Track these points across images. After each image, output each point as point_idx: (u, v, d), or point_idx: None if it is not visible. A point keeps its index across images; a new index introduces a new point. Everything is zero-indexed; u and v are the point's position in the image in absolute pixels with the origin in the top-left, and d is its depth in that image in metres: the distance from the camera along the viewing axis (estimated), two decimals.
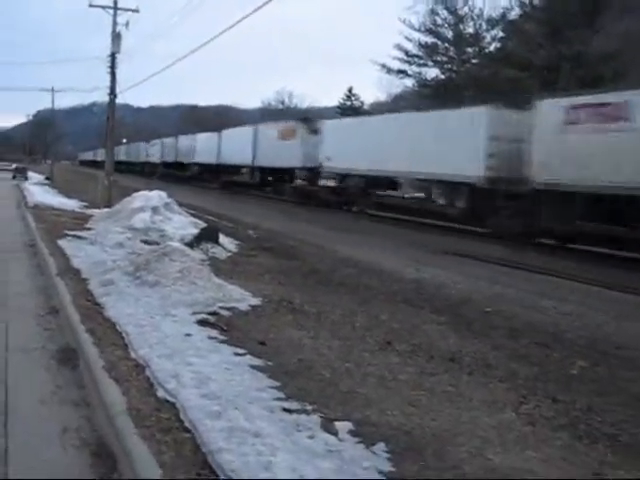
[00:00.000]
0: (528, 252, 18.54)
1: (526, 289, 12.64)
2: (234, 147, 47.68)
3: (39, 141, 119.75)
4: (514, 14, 45.87)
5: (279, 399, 5.13)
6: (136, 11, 30.87)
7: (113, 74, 30.03)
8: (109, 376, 5.59)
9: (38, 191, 39.44)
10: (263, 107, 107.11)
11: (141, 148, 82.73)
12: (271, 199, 41.15)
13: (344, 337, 7.55)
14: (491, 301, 11.05)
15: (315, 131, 36.32)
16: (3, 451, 4.60)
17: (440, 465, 4.24)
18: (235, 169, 50.40)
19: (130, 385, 5.38)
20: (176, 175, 62.96)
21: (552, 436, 5.03)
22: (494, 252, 18.13)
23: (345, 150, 31.68)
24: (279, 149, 39.55)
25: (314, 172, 36.21)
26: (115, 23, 30.10)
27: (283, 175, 40.87)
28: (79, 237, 15.54)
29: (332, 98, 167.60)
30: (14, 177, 66.03)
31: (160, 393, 5.19)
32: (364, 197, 31.82)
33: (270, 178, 44.06)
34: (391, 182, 32.04)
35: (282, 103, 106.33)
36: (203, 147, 56.18)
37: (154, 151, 74.76)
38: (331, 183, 36.91)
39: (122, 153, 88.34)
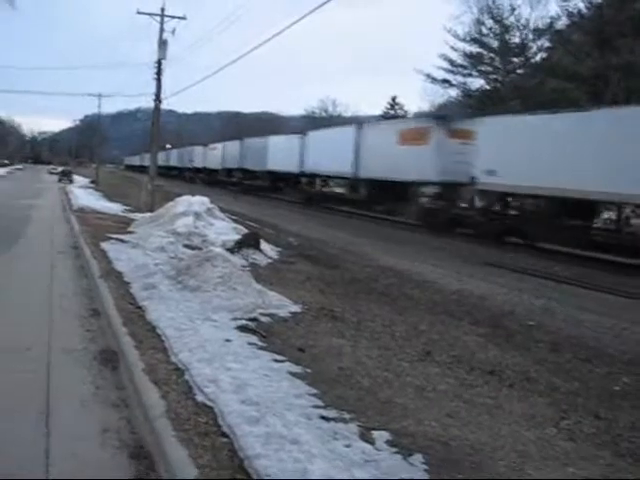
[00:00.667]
0: (577, 267, 18.22)
1: (570, 303, 12.43)
2: (324, 153, 37.63)
3: (85, 145, 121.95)
4: (561, 24, 45.30)
5: (317, 407, 5.12)
6: (183, 18, 31.30)
7: (159, 80, 30.43)
8: (149, 379, 5.64)
9: (83, 194, 40.12)
10: (306, 115, 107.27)
11: (197, 152, 75.19)
12: (380, 221, 31.75)
13: (384, 346, 7.53)
14: (534, 314, 10.91)
15: (460, 133, 27.04)
16: (45, 451, 4.66)
17: (478, 479, 4.19)
18: (324, 180, 40.72)
19: (169, 388, 5.42)
20: (242, 184, 55.88)
21: (594, 453, 4.94)
22: (545, 267, 17.85)
23: (518, 160, 22.98)
24: (398, 157, 29.61)
25: (452, 188, 27.41)
26: (162, 30, 30.58)
27: (402, 190, 30.20)
28: (122, 240, 15.73)
29: (375, 107, 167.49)
30: (60, 180, 67.21)
31: (199, 397, 5.22)
32: (551, 227, 22.38)
33: (379, 193, 33.08)
34: (584, 206, 22.62)
35: (325, 111, 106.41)
36: (279, 152, 45.81)
37: (214, 156, 66.95)
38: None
39: (174, 158, 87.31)
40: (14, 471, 4.31)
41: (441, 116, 31.40)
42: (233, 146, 60.66)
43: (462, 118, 29.72)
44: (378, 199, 33.58)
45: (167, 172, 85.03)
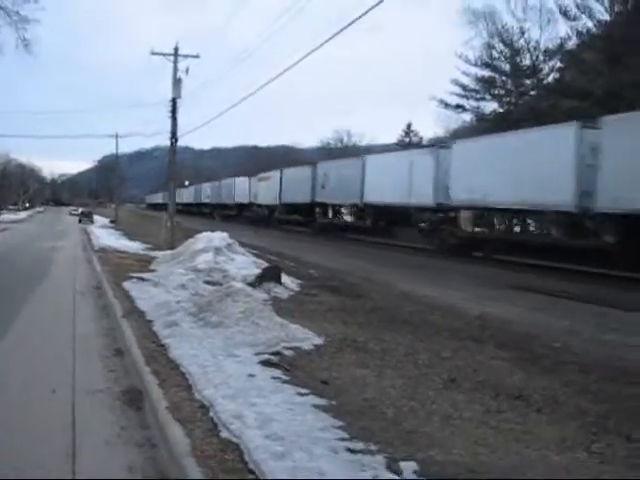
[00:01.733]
0: (594, 285, 18.07)
1: (594, 323, 12.30)
2: (392, 179, 33.01)
3: (104, 185, 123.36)
4: (571, 44, 45.44)
5: (343, 439, 5.08)
6: (196, 57, 31.77)
7: (174, 118, 30.79)
8: (173, 417, 5.63)
9: (103, 234, 40.50)
10: (321, 146, 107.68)
11: (238, 187, 66.74)
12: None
13: (408, 375, 7.47)
14: (558, 335, 10.79)
15: None
16: None
17: None
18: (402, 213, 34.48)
19: (194, 426, 5.40)
20: (296, 221, 50.49)
21: (628, 476, 4.85)
22: (565, 287, 17.71)
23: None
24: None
25: None
26: (176, 69, 31.04)
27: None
28: (143, 279, 15.80)
29: (390, 135, 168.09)
30: (80, 221, 67.89)
31: (224, 434, 5.20)
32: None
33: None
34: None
35: (341, 142, 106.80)
36: (335, 181, 40.41)
37: (267, 188, 56.28)
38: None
39: (204, 194, 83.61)
40: None
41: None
42: (275, 177, 53.84)
43: None
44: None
45: (198, 210, 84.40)
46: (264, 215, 57.59)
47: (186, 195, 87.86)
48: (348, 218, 43.43)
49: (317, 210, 45.59)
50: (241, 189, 65.94)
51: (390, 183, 33.75)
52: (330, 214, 45.06)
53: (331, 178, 42.31)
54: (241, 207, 66.32)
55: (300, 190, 46.69)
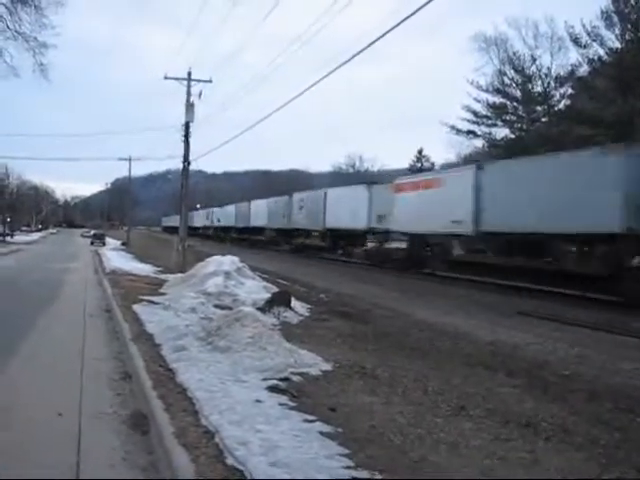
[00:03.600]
0: (608, 313, 17.92)
1: (606, 351, 12.19)
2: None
3: (117, 208, 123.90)
4: (583, 71, 45.62)
5: (348, 467, 5.03)
6: (209, 82, 32.01)
7: (187, 142, 30.96)
8: (178, 442, 5.60)
9: (115, 256, 40.66)
10: (334, 171, 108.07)
11: (279, 207, 56.78)
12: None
13: (416, 402, 7.41)
14: (569, 363, 10.70)
15: None
16: None
17: None
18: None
19: (199, 452, 5.37)
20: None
21: None
22: (577, 314, 17.58)
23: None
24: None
25: None
26: (189, 94, 31.21)
27: None
28: (153, 302, 15.83)
29: (402, 160, 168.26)
30: (92, 243, 68.21)
31: (229, 460, 5.16)
32: None
33: None
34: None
35: (353, 167, 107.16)
36: (409, 205, 31.96)
37: (298, 211, 51.19)
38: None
39: (230, 217, 77.32)
40: None
41: None
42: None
43: None
44: None
45: (220, 234, 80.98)
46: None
47: (226, 215, 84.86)
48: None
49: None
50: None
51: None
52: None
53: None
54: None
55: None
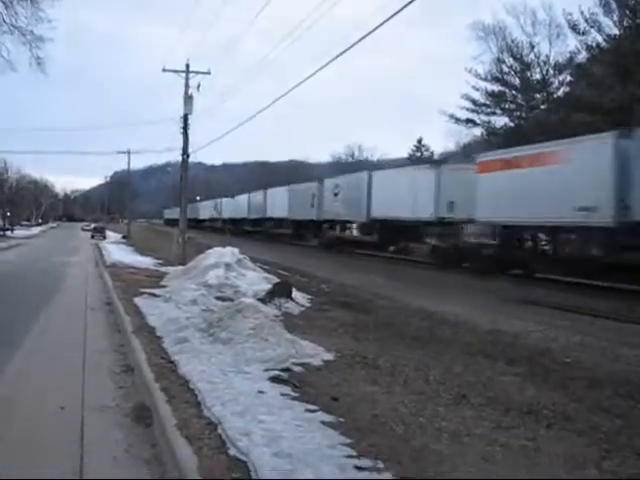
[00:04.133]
0: (612, 301, 17.93)
1: (607, 338, 12.20)
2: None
3: (116, 201, 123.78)
4: (581, 58, 45.51)
5: (351, 456, 5.05)
6: (207, 73, 31.88)
7: (186, 135, 30.91)
8: (181, 434, 5.61)
9: (115, 250, 40.66)
10: (333, 161, 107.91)
11: (305, 195, 49.58)
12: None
13: (418, 391, 7.42)
14: (570, 351, 10.71)
15: None
16: None
17: None
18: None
19: (202, 443, 5.38)
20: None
21: None
22: (579, 302, 17.60)
23: None
24: None
25: None
26: (187, 86, 31.13)
27: None
28: (154, 295, 15.85)
29: (401, 150, 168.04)
30: (93, 236, 68.20)
31: (232, 451, 5.17)
32: None
33: None
34: None
35: (352, 156, 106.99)
36: (500, 189, 25.76)
37: (332, 198, 44.39)
38: None
39: (242, 207, 70.68)
40: None
41: None
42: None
43: None
44: None
45: (228, 226, 71.21)
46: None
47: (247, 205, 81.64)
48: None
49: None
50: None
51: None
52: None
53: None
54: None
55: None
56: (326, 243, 45.07)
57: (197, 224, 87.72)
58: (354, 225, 42.95)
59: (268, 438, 5.37)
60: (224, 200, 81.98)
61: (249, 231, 66.55)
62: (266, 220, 61.08)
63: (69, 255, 38.21)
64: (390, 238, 36.27)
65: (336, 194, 43.22)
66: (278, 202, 56.34)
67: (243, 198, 71.03)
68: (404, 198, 32.82)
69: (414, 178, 33.13)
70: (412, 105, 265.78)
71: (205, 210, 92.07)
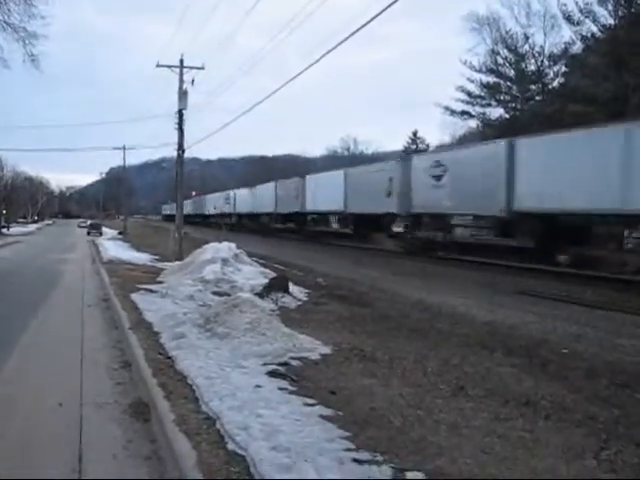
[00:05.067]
0: (610, 291, 17.95)
1: (604, 328, 12.21)
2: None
3: (112, 197, 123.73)
4: (576, 48, 45.52)
5: (349, 450, 5.05)
6: (201, 68, 31.83)
7: (181, 130, 30.80)
8: (180, 429, 5.62)
9: (111, 246, 40.66)
10: (329, 154, 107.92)
11: (377, 180, 34.88)
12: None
13: (416, 384, 7.43)
14: (567, 341, 10.72)
15: None
16: None
17: None
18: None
19: (200, 438, 5.39)
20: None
21: None
22: (577, 293, 17.62)
23: None
24: None
25: None
26: (181, 81, 31.03)
27: None
28: (151, 291, 15.84)
29: (396, 142, 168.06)
30: (89, 233, 68.10)
31: (230, 446, 5.18)
32: None
33: None
34: None
35: (347, 150, 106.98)
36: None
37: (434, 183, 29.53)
38: None
39: (267, 200, 56.62)
40: None
41: None
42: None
43: None
44: None
45: (246, 222, 64.26)
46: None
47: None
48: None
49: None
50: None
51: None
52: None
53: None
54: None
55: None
56: (414, 247, 31.94)
57: (203, 220, 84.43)
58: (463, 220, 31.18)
59: (266, 432, 5.38)
60: (238, 192, 70.16)
61: (279, 229, 55.58)
62: (303, 215, 48.66)
63: (66, 252, 38.17)
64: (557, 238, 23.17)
65: (439, 177, 29.36)
66: (327, 191, 42.19)
67: (268, 187, 57.34)
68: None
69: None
70: (407, 98, 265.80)
71: (213, 204, 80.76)
